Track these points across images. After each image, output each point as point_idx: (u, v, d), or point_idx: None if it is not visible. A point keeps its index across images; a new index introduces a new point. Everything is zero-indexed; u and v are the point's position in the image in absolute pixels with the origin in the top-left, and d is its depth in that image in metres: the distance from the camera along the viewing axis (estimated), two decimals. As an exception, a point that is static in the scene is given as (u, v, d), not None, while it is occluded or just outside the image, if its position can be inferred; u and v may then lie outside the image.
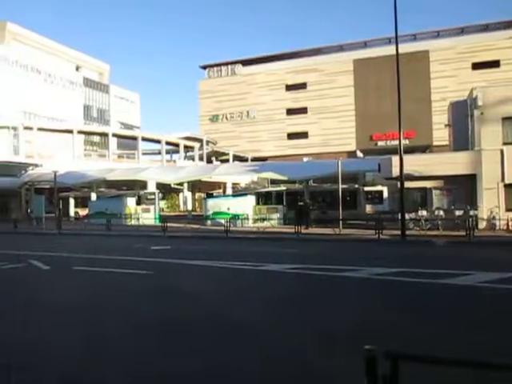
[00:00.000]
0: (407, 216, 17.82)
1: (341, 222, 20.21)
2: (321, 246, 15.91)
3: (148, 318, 5.86)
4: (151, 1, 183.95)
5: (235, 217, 23.95)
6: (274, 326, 5.39)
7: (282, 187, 31.29)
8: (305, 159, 53.68)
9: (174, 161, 59.45)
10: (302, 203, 24.11)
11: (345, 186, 23.91)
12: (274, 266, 10.05)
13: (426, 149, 54.77)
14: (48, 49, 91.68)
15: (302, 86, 75.84)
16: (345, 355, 4.10)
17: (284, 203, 27.48)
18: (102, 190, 36.91)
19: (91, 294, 7.54)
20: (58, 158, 45.88)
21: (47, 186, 35.24)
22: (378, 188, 28.77)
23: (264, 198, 29.22)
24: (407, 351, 1.71)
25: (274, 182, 38.69)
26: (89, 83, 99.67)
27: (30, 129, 46.83)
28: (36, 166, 33.93)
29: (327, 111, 73.06)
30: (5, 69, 80.00)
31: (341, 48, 75.60)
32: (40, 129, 48.64)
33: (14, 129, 45.94)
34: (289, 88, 77.20)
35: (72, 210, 36.53)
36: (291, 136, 76.42)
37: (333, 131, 71.49)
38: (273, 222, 23.51)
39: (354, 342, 3.97)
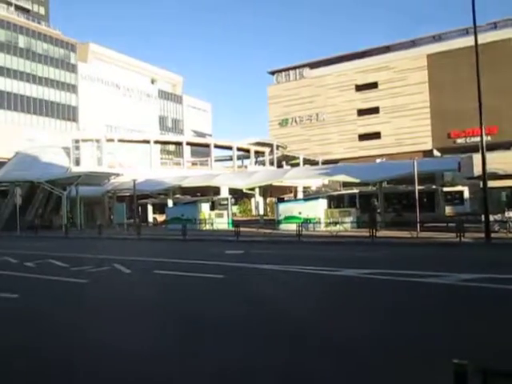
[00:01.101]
0: (492, 217, 16.61)
1: (418, 224, 19.33)
2: (397, 250, 15.31)
3: (226, 322, 5.95)
4: (218, 12, 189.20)
5: (307, 221, 23.79)
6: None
7: (355, 190, 30.59)
8: (378, 160, 52.09)
9: (245, 166, 60.40)
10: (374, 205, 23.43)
11: (421, 187, 22.86)
12: (349, 271, 9.83)
13: (510, 145, 50.90)
14: (126, 65, 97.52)
15: (372, 85, 73.82)
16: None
17: (357, 206, 26.84)
18: (178, 196, 38.41)
19: (170, 297, 7.83)
20: (136, 167, 48.53)
21: (127, 194, 37.31)
22: (458, 188, 27.17)
23: (336, 202, 28.73)
24: (500, 367, 1.57)
25: (346, 184, 37.97)
26: (163, 95, 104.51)
27: (112, 141, 50.00)
28: (117, 175, 36.05)
29: (400, 110, 70.46)
30: (88, 86, 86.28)
31: (413, 43, 72.54)
32: (120, 140, 51.76)
33: (98, 141, 49.30)
34: (359, 88, 75.50)
35: (150, 216, 38.40)
36: (363, 137, 74.61)
37: (406, 130, 68.76)
38: (346, 225, 23.04)
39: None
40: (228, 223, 28.69)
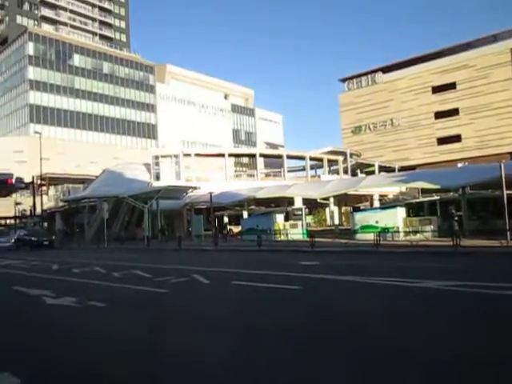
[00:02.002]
0: None
1: (508, 232, 17.87)
2: (484, 261, 14.25)
3: (306, 338, 5.88)
4: (285, 23, 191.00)
5: (385, 230, 22.97)
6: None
7: (435, 197, 29.07)
8: (459, 165, 49.17)
9: (319, 176, 59.83)
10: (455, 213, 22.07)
11: (510, 192, 21.15)
12: (432, 283, 9.29)
13: None
14: (200, 82, 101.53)
15: (450, 86, 70.20)
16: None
17: (438, 214, 25.47)
18: (253, 207, 38.95)
19: (247, 308, 7.90)
20: (212, 180, 50.01)
21: (204, 206, 38.53)
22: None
23: (415, 210, 27.49)
24: None
25: (425, 191, 36.20)
26: (236, 109, 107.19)
27: (189, 155, 52.06)
28: (195, 188, 37.38)
29: (482, 110, 66.22)
30: (166, 105, 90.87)
31: (494, 38, 67.95)
32: (197, 155, 53.74)
33: (176, 156, 51.59)
34: (435, 90, 72.17)
35: (227, 228, 39.28)
36: (441, 141, 71.02)
37: (490, 131, 64.40)
38: (426, 234, 21.92)
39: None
40: (303, 233, 28.52)
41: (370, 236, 21.00)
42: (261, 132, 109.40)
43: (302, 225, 30.35)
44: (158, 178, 49.42)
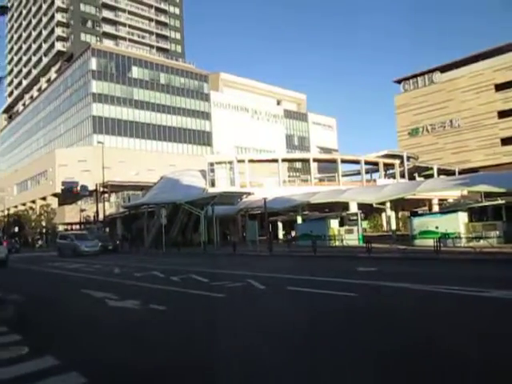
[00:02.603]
0: None
1: None
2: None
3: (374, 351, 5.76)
4: (335, 26, 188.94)
5: (445, 236, 22.03)
6: None
7: (500, 201, 27.50)
8: (527, 166, 46.16)
9: (374, 180, 58.48)
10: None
11: None
12: (497, 293, 8.80)
13: None
14: (253, 89, 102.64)
15: (515, 83, 66.36)
16: None
17: (503, 219, 24.04)
18: (306, 212, 38.71)
19: (302, 316, 7.86)
20: (266, 186, 50.27)
21: (258, 212, 38.78)
22: None
23: (478, 214, 26.11)
24: None
25: (488, 195, 34.32)
26: (289, 114, 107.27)
27: (242, 161, 52.69)
28: (249, 194, 37.74)
29: (552, 107, 62.03)
30: (220, 112, 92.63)
31: None
32: (250, 161, 54.27)
33: (230, 163, 52.39)
34: (499, 88, 68.52)
35: (281, 233, 39.29)
36: (506, 141, 67.22)
37: None
38: (490, 240, 20.78)
39: None
40: (358, 239, 27.97)
41: (429, 242, 20.23)
42: (314, 137, 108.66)
43: (358, 230, 29.74)
44: (213, 184, 50.38)
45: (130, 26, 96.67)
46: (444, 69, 75.47)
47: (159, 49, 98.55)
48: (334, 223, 30.89)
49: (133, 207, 46.19)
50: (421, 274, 12.93)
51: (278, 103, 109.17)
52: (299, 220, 35.97)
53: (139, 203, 44.71)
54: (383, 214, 39.84)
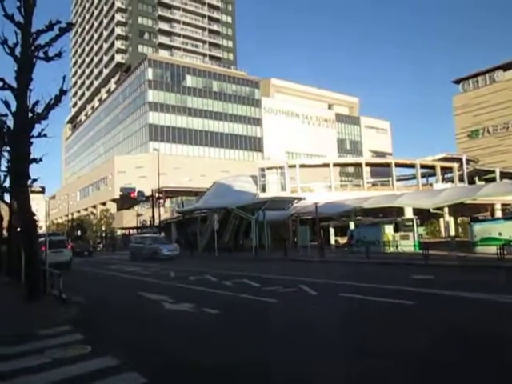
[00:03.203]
0: None
1: None
2: None
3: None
4: (388, 28, 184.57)
5: (509, 243, 20.79)
6: None
7: None
8: None
9: (431, 184, 56.33)
10: None
11: None
12: None
13: None
14: (304, 94, 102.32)
15: None
16: None
17: None
18: (359, 218, 37.91)
19: (355, 325, 7.71)
20: (317, 191, 49.77)
21: (310, 217, 38.46)
22: None
23: (547, 220, 24.44)
24: None
25: (558, 199, 32.10)
26: (340, 118, 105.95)
27: (293, 167, 52.56)
28: (300, 199, 37.53)
29: None
30: (271, 118, 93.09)
31: None
32: (301, 166, 54.02)
33: (281, 168, 52.41)
34: None
35: (332, 239, 38.72)
36: None
37: None
38: (562, 247, 19.36)
39: None
40: (414, 245, 27.01)
41: (491, 249, 19.18)
42: (367, 140, 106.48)
43: (414, 236, 28.72)
44: (264, 189, 50.59)
45: (185, 36, 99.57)
46: (507, 67, 71.64)
47: (212, 57, 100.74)
48: (389, 229, 30.01)
49: (186, 212, 47.26)
50: (482, 283, 12.27)
51: (330, 107, 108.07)
52: (352, 225, 35.29)
53: (192, 208, 45.68)
54: (441, 220, 38.25)
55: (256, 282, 13.87)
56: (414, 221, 29.75)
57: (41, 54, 11.76)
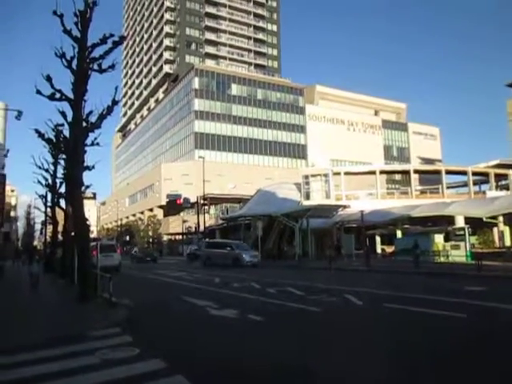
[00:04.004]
0: None
1: None
2: None
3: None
4: (432, 31, 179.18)
5: None
6: None
7: None
8: None
9: (484, 192, 53.95)
10: None
11: None
12: None
13: None
14: (349, 100, 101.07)
15: None
16: None
17: None
18: (407, 226, 36.88)
19: (403, 338, 7.48)
20: (362, 198, 48.91)
21: (355, 225, 37.80)
22: None
23: None
24: None
25: None
26: (387, 125, 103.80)
27: (338, 174, 51.95)
28: (345, 207, 37.02)
29: None
30: (316, 125, 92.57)
31: None
32: (346, 173, 53.30)
33: (325, 175, 51.96)
34: None
35: (378, 247, 37.85)
36: None
37: None
38: None
39: None
40: (466, 256, 25.96)
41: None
42: (415, 147, 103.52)
43: (465, 246, 27.57)
44: (308, 196, 50.29)
45: (230, 46, 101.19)
46: None
47: (257, 65, 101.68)
48: (439, 238, 29.00)
49: (231, 219, 47.74)
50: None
51: (376, 113, 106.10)
52: (399, 234, 34.36)
53: (237, 215, 46.09)
54: (495, 229, 36.47)
55: (300, 290, 13.76)
56: (466, 230, 28.57)
57: (95, 66, 12.34)
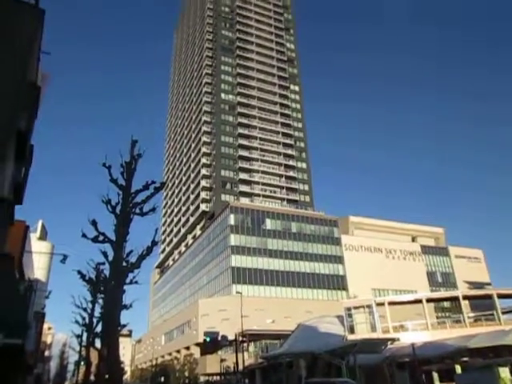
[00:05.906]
0: None
1: None
2: None
3: None
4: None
5: None
6: None
7: None
8: None
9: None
10: None
11: None
12: None
13: None
14: (384, 228, 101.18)
15: None
16: None
17: None
18: (466, 359, 33.51)
19: None
20: (411, 330, 45.60)
21: (407, 359, 34.71)
22: None
23: None
24: None
25: None
26: (427, 250, 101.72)
27: (382, 304, 49.48)
28: (393, 340, 34.48)
29: None
30: (353, 254, 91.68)
31: None
32: (390, 303, 50.74)
33: (368, 306, 49.52)
34: None
35: (437, 386, 34.05)
36: None
37: None
38: None
39: None
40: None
41: None
42: (459, 271, 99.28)
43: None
44: (352, 330, 47.42)
45: (263, 184, 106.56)
46: None
47: (289, 200, 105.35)
48: (504, 372, 25.99)
49: (271, 358, 44.96)
50: None
51: (413, 239, 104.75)
52: (458, 369, 31.11)
53: (277, 354, 43.46)
54: None
55: None
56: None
57: (137, 210, 13.18)
